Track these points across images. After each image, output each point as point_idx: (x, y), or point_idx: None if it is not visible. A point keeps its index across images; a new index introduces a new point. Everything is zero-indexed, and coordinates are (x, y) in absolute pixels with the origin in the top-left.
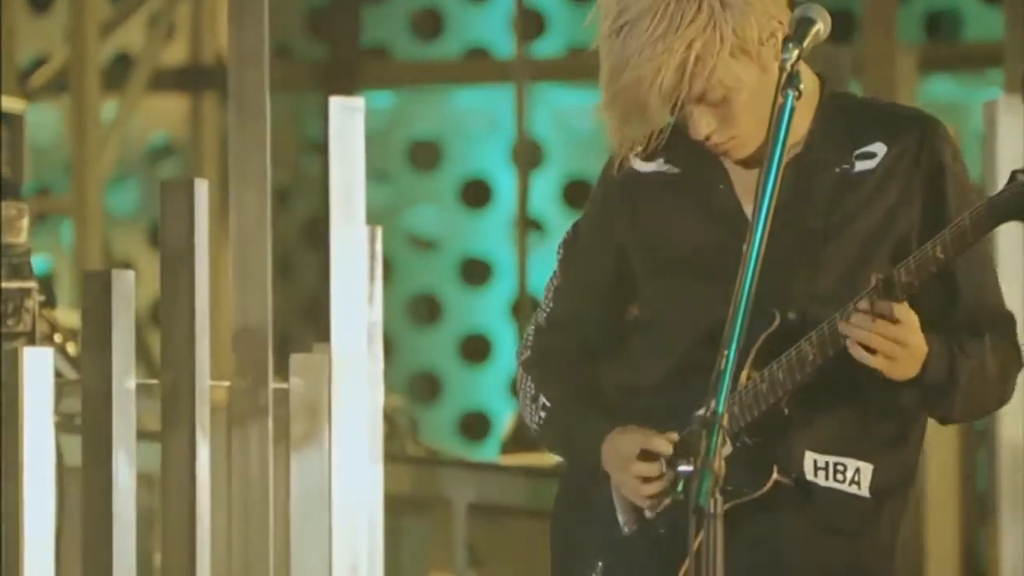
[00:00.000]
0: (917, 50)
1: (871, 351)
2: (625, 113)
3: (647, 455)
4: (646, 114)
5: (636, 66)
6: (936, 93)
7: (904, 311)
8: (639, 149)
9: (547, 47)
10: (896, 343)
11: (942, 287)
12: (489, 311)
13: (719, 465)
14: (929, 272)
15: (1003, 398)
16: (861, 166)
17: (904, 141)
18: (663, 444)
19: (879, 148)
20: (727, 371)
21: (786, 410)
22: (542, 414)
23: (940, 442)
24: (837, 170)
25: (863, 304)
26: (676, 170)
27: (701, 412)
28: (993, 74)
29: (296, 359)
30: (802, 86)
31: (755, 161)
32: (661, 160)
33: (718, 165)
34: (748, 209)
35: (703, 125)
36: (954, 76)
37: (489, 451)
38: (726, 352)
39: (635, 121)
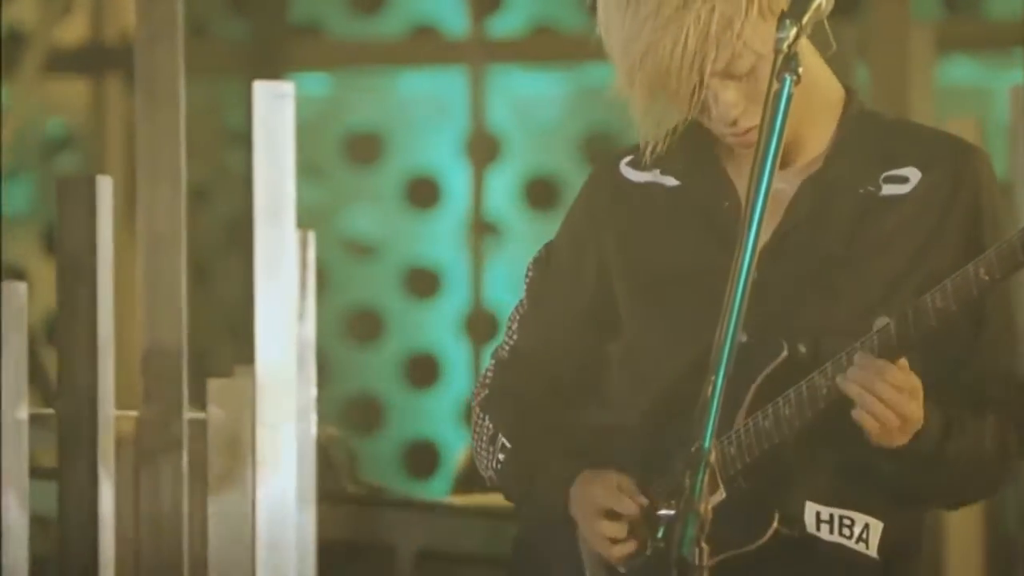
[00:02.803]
0: (933, 27)
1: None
2: (649, 87)
3: (613, 515)
4: (669, 85)
5: (654, 28)
6: (955, 76)
7: (906, 377)
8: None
9: (506, 24)
10: (893, 410)
11: (955, 345)
12: (438, 327)
13: (706, 509)
14: (970, 296)
15: (995, 487)
16: (889, 190)
17: (941, 169)
18: (629, 505)
19: (912, 173)
20: (715, 399)
21: (790, 453)
22: (500, 457)
23: None
24: (861, 191)
25: (868, 346)
26: (675, 182)
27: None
28: (1019, 55)
29: (215, 384)
30: (803, 71)
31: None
32: (657, 171)
33: (724, 179)
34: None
35: (731, 104)
36: (975, 57)
37: (439, 489)
38: (713, 378)
39: (662, 96)
